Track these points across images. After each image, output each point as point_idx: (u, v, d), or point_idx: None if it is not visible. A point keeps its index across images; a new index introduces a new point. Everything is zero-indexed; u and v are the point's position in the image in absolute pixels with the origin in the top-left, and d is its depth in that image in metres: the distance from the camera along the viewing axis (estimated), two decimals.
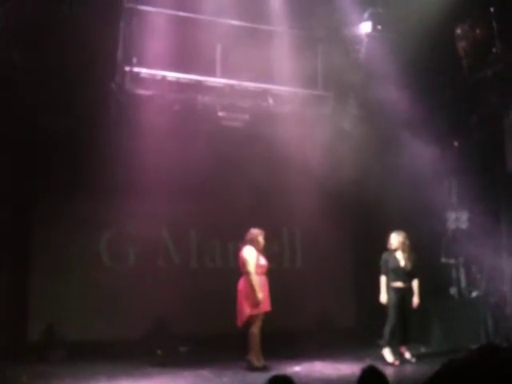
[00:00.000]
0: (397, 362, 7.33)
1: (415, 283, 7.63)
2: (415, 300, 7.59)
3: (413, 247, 7.73)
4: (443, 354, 7.36)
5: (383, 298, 7.60)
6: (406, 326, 7.67)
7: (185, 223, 9.00)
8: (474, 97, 8.37)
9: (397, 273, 7.60)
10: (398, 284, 7.59)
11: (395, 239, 7.73)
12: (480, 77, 8.13)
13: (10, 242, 8.13)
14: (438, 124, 8.28)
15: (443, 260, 8.87)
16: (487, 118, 8.31)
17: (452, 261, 8.85)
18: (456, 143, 8.70)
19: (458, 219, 8.75)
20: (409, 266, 7.61)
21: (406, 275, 7.61)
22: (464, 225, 8.67)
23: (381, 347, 7.56)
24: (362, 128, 8.42)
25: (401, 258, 7.67)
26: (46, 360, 7.49)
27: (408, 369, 7.25)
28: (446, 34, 8.21)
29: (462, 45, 8.22)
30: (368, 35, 8.27)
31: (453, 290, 8.84)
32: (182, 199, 8.70)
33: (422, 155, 8.36)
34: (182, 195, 8.63)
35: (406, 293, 7.60)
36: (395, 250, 7.71)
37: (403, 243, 7.69)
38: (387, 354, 7.43)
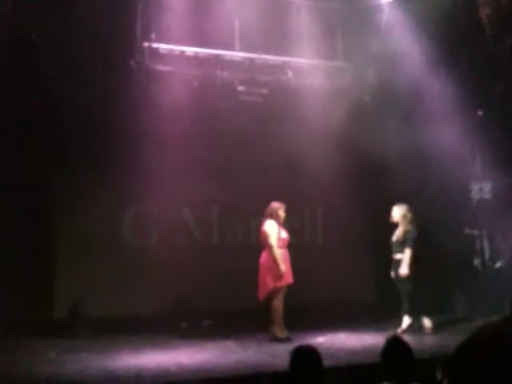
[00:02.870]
0: (400, 330, 7.34)
1: (407, 252, 7.48)
2: (401, 270, 7.46)
3: (413, 219, 7.62)
4: (466, 325, 7.35)
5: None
6: (400, 298, 7.64)
7: (206, 200, 9.01)
8: (497, 66, 8.19)
9: (393, 246, 7.67)
10: (393, 256, 7.64)
11: (396, 212, 7.67)
12: (504, 45, 7.94)
13: (34, 220, 8.22)
14: (460, 94, 8.13)
15: (467, 231, 8.80)
16: (511, 87, 8.14)
17: (476, 232, 8.77)
18: (480, 112, 8.55)
19: (481, 190, 8.65)
20: (401, 239, 7.58)
21: (399, 247, 7.59)
22: (487, 195, 8.57)
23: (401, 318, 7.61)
24: (383, 100, 8.31)
25: (397, 231, 7.66)
26: (72, 336, 7.62)
27: (429, 339, 7.25)
28: (468, 1, 8.01)
29: (485, 12, 8.01)
30: (389, 4, 8.12)
31: (476, 261, 8.79)
32: (202, 176, 8.70)
33: (445, 126, 8.24)
34: (202, 172, 8.63)
35: (400, 265, 7.53)
36: (397, 224, 7.67)
37: (404, 216, 7.63)
38: (404, 321, 7.50)
